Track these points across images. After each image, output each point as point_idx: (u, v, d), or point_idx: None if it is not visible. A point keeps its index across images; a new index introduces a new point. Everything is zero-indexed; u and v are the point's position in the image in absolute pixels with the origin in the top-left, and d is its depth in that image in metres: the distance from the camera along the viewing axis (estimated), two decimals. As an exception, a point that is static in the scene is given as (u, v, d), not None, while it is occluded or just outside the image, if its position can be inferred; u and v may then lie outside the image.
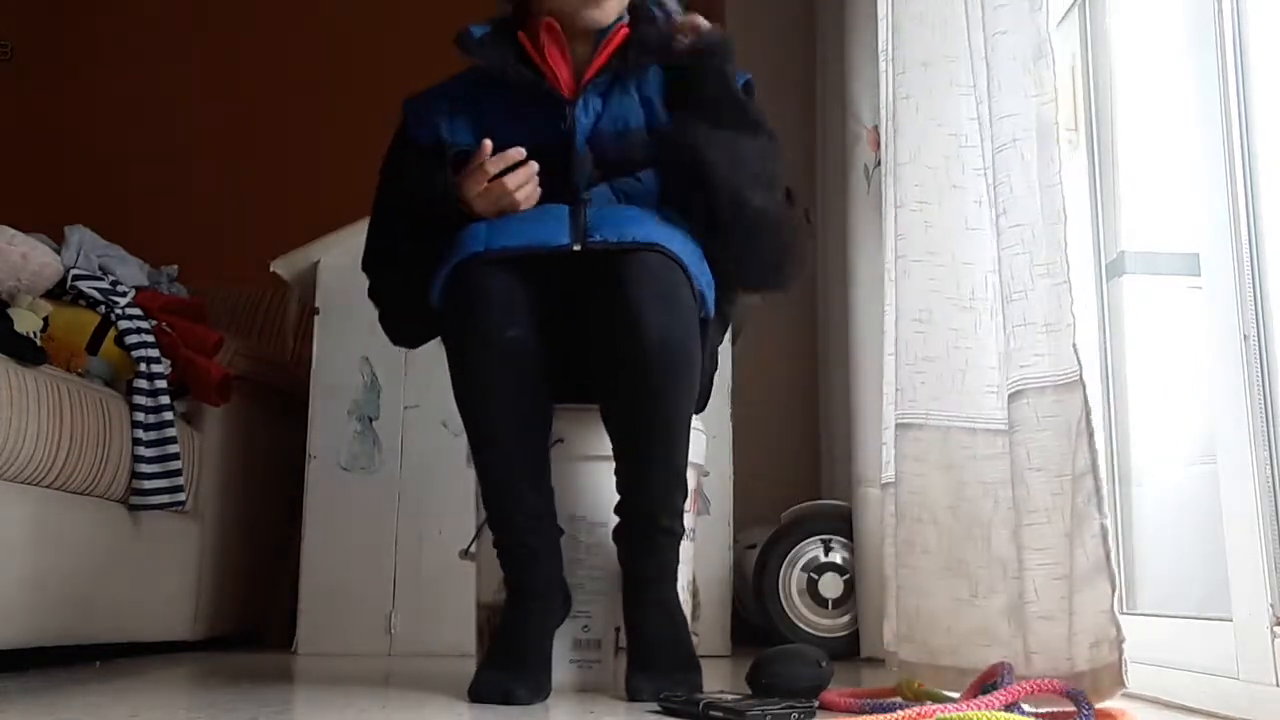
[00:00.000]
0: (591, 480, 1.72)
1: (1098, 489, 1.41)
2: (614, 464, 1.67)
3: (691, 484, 1.77)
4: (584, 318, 1.66)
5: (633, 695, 1.59)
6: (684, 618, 1.69)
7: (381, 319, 1.87)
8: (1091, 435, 1.43)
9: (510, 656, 1.62)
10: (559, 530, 1.69)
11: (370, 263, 1.86)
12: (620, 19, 1.80)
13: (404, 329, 1.86)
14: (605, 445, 1.69)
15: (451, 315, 1.62)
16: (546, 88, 1.76)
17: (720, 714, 1.36)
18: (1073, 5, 2.31)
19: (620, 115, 1.77)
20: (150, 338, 2.41)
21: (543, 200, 1.72)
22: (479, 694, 1.58)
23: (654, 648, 1.63)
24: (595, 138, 1.76)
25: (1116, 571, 1.40)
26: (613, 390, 1.65)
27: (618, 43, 1.78)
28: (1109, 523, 1.41)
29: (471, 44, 1.77)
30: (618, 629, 1.73)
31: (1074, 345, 1.47)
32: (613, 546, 1.72)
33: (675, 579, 1.69)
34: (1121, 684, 1.36)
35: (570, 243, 1.61)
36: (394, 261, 1.80)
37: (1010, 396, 1.56)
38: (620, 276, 1.58)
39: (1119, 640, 1.37)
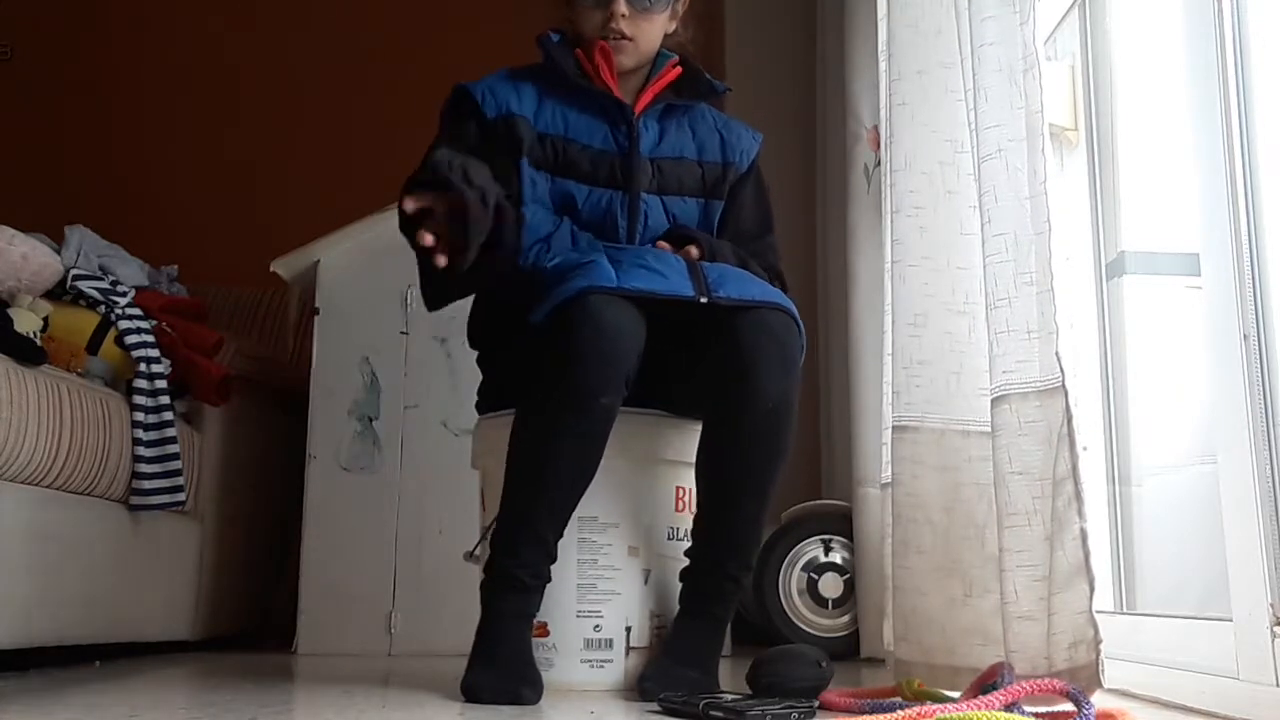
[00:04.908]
0: (606, 482, 1.72)
1: (1078, 493, 1.43)
2: (694, 509, 1.76)
3: (690, 484, 1.78)
4: (669, 356, 1.69)
5: (644, 694, 1.62)
6: (723, 643, 1.73)
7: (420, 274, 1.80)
8: (1073, 441, 1.45)
9: (507, 658, 1.62)
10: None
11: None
12: (668, 58, 1.92)
13: (440, 295, 1.81)
14: (620, 448, 1.70)
15: (560, 339, 1.60)
16: (614, 96, 1.85)
17: (720, 714, 1.36)
18: (1073, 5, 2.31)
19: (677, 145, 1.90)
20: (150, 338, 2.41)
21: (597, 199, 1.82)
22: (482, 697, 1.58)
23: (688, 647, 1.69)
24: (655, 155, 1.87)
25: (1095, 574, 1.41)
26: (716, 445, 1.70)
27: (670, 78, 1.91)
28: (1089, 526, 1.42)
29: (552, 47, 1.88)
30: (629, 628, 1.74)
31: (1057, 353, 1.48)
32: (625, 548, 1.76)
33: (730, 616, 1.76)
34: (1099, 684, 1.38)
35: (695, 294, 1.64)
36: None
37: (993, 401, 1.57)
38: (743, 333, 1.64)
39: (1096, 641, 1.39)
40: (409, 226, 1.62)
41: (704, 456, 1.73)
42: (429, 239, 1.55)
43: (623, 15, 1.82)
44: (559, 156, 1.83)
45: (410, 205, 1.56)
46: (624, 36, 1.83)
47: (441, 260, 1.57)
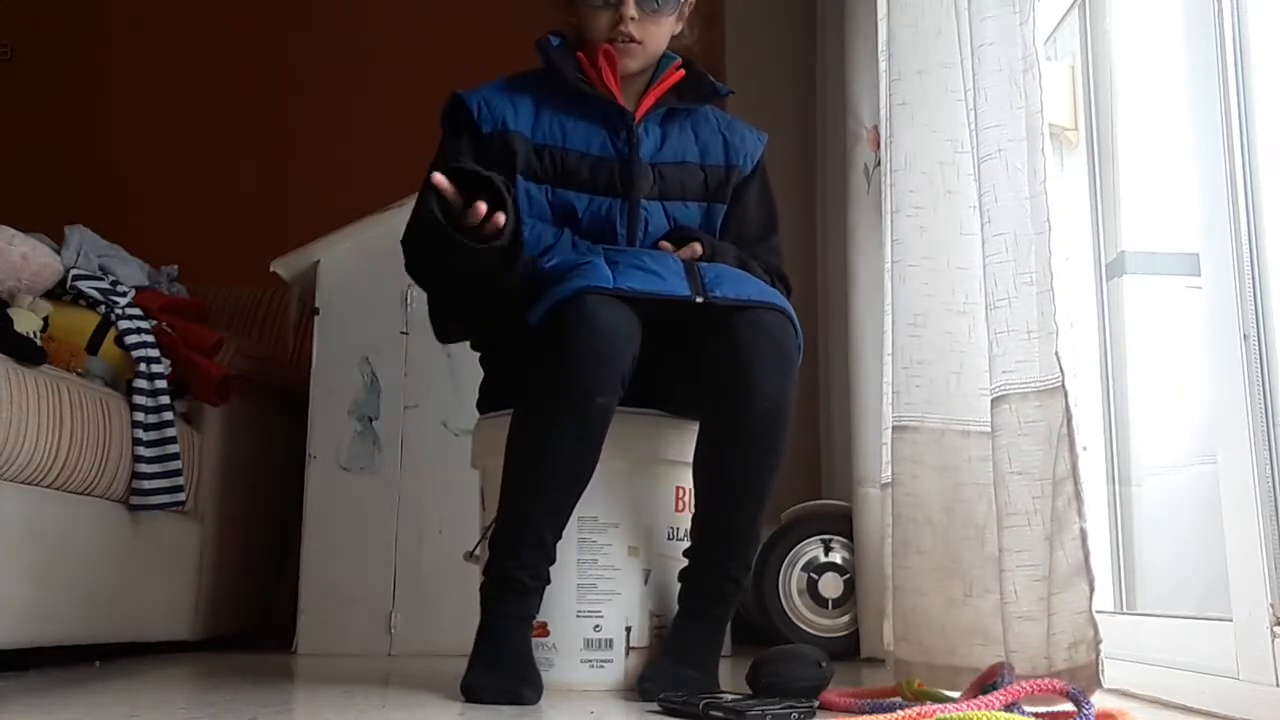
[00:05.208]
0: (606, 481, 1.72)
1: (1078, 493, 1.43)
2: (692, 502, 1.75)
3: (691, 484, 1.78)
4: (667, 356, 1.69)
5: (644, 694, 1.62)
6: (722, 643, 1.73)
7: (431, 310, 1.88)
8: (1073, 441, 1.45)
9: (507, 658, 1.62)
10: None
11: (417, 265, 1.83)
12: (671, 60, 1.90)
13: (453, 317, 1.87)
14: (620, 448, 1.70)
15: (556, 340, 1.60)
16: (614, 102, 1.84)
17: (720, 714, 1.36)
18: (1073, 5, 2.31)
19: (679, 149, 1.89)
20: (150, 338, 2.41)
21: (597, 207, 1.82)
22: (483, 697, 1.58)
23: (688, 647, 1.69)
24: (656, 161, 1.86)
25: (1095, 574, 1.41)
26: (713, 445, 1.70)
27: (673, 81, 1.89)
28: (1088, 526, 1.42)
29: (552, 50, 1.87)
30: (629, 628, 1.74)
31: (1056, 353, 1.48)
32: (625, 548, 1.76)
33: (730, 616, 1.75)
34: (1099, 684, 1.38)
35: (691, 295, 1.65)
36: (446, 269, 1.78)
37: (993, 401, 1.57)
38: (740, 333, 1.64)
39: (1096, 641, 1.39)
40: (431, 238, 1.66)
41: (701, 457, 1.73)
42: (484, 206, 1.59)
43: (632, 18, 1.80)
44: (558, 167, 1.82)
45: (441, 178, 1.59)
46: (632, 39, 1.82)
47: (502, 218, 1.60)
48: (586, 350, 1.59)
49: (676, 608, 1.74)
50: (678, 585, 1.75)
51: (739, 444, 1.67)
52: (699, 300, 1.65)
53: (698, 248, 1.79)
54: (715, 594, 1.72)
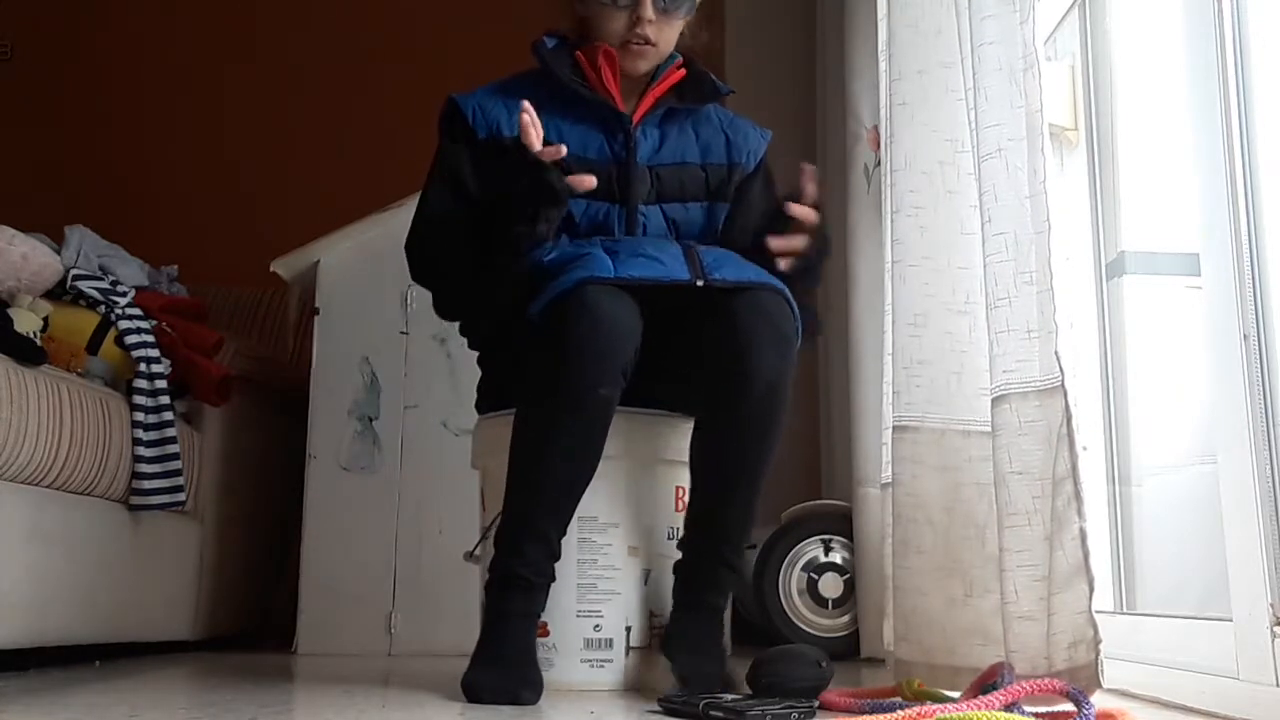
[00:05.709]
0: (606, 481, 1.72)
1: (1078, 493, 1.43)
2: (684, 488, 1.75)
3: (689, 484, 1.78)
4: (668, 342, 1.69)
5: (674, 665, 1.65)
6: (723, 632, 1.74)
7: (435, 303, 1.89)
8: (1073, 440, 1.45)
9: (509, 657, 1.62)
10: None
11: (421, 267, 1.84)
12: (673, 59, 1.88)
13: (459, 314, 1.89)
14: (620, 448, 1.70)
15: (556, 332, 1.60)
16: (611, 105, 1.83)
17: (720, 714, 1.36)
18: (1073, 5, 2.31)
19: (679, 150, 1.87)
20: (150, 338, 2.41)
21: (595, 211, 1.80)
22: (482, 696, 1.58)
23: (690, 640, 1.69)
24: (654, 163, 1.85)
25: (1094, 574, 1.41)
26: (711, 429, 1.70)
27: (672, 81, 1.88)
28: (1088, 526, 1.42)
29: (547, 53, 1.85)
30: (629, 628, 1.75)
31: (1056, 352, 1.48)
32: (625, 548, 1.76)
33: (727, 605, 1.75)
34: (1098, 684, 1.38)
35: (691, 279, 1.65)
36: (451, 268, 1.80)
37: (993, 401, 1.57)
38: (738, 314, 1.64)
39: (1096, 641, 1.39)
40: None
41: (699, 443, 1.72)
42: (563, 150, 1.65)
43: (649, 20, 1.78)
44: None
45: (526, 114, 1.65)
46: (648, 41, 1.80)
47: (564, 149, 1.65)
48: (588, 343, 1.59)
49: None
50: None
51: (736, 425, 1.67)
52: (699, 284, 1.65)
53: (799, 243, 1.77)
54: (711, 581, 1.72)
